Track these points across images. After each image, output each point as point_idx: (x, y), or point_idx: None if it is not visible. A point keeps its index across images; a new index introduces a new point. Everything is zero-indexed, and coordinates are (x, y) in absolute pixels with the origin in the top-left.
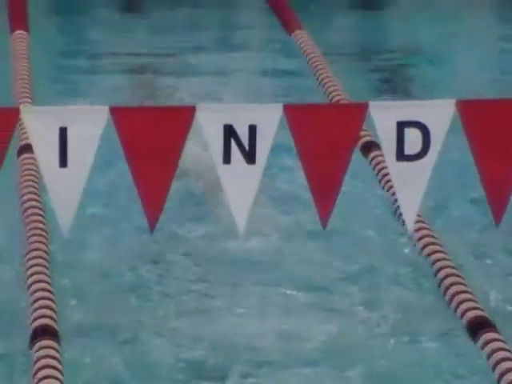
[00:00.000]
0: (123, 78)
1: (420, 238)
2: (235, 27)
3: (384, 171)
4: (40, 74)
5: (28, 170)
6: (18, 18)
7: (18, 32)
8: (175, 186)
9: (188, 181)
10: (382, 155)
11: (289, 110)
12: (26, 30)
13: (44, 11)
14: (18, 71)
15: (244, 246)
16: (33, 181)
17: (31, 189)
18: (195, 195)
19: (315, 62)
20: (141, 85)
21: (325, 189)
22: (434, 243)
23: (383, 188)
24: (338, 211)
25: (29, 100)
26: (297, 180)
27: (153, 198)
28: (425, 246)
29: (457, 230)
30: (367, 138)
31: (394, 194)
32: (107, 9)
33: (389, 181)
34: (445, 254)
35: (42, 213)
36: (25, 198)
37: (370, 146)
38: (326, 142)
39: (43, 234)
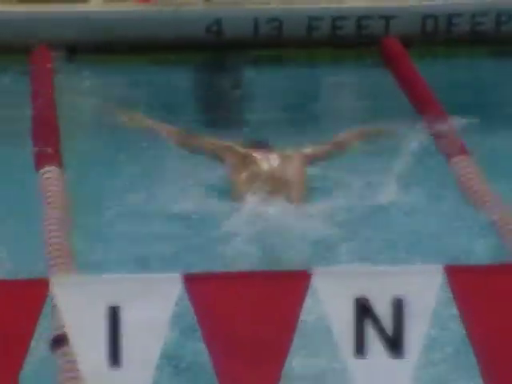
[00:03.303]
0: (182, 229)
1: None
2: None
3: None
4: (79, 227)
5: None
6: (48, 151)
7: (47, 169)
8: None
9: None
10: None
11: (452, 273)
12: (59, 164)
13: (80, 139)
14: (48, 223)
15: None
16: None
17: None
18: None
19: (481, 195)
20: None
21: (504, 380)
22: None
23: None
24: None
25: (64, 267)
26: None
27: None
28: None
29: None
30: None
31: None
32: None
33: None
34: None
35: None
36: None
37: None
38: (506, 316)
39: None
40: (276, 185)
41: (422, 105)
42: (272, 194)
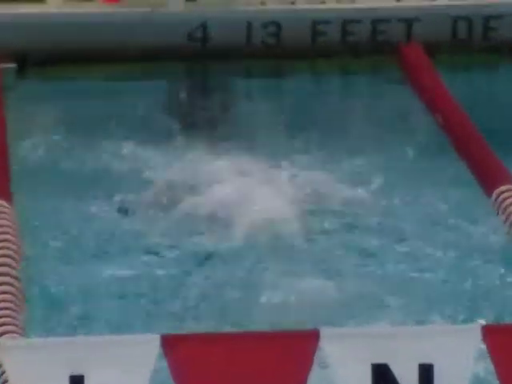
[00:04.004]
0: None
1: None
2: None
3: None
4: (33, 275)
5: None
6: None
7: None
8: None
9: None
10: None
11: (490, 332)
12: (8, 199)
13: (31, 171)
14: None
15: None
16: None
17: None
18: None
19: None
20: None
21: None
22: None
23: None
24: None
25: (14, 328)
26: None
27: None
28: None
29: None
30: None
31: None
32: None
33: None
34: None
35: None
36: None
37: None
38: None
39: None
40: None
41: (450, 124)
42: None
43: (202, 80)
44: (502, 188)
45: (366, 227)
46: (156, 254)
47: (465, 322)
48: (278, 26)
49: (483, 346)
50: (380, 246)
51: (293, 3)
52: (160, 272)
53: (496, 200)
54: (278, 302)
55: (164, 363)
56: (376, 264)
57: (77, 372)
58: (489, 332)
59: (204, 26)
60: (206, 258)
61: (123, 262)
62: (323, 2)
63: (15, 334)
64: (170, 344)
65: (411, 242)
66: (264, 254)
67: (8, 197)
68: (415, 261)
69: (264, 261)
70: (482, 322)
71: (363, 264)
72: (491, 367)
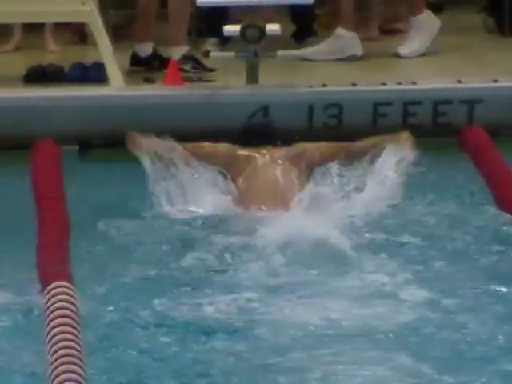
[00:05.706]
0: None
1: None
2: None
3: None
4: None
5: None
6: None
7: (56, 284)
8: None
9: None
10: None
11: None
12: (69, 280)
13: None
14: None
15: None
16: None
17: None
18: None
19: None
20: None
21: None
22: None
23: None
24: None
25: None
26: None
27: None
28: None
29: None
30: None
31: None
32: None
33: None
34: None
35: None
36: None
37: None
38: None
39: None
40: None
41: None
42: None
43: None
44: None
45: None
46: None
47: None
48: (340, 107)
49: None
50: None
51: (354, 85)
52: None
53: None
54: None
55: None
56: None
57: None
58: None
59: (265, 109)
60: None
61: None
62: (384, 84)
63: None
64: None
65: None
66: None
67: (68, 277)
68: None
69: None
70: None
71: None
72: None
